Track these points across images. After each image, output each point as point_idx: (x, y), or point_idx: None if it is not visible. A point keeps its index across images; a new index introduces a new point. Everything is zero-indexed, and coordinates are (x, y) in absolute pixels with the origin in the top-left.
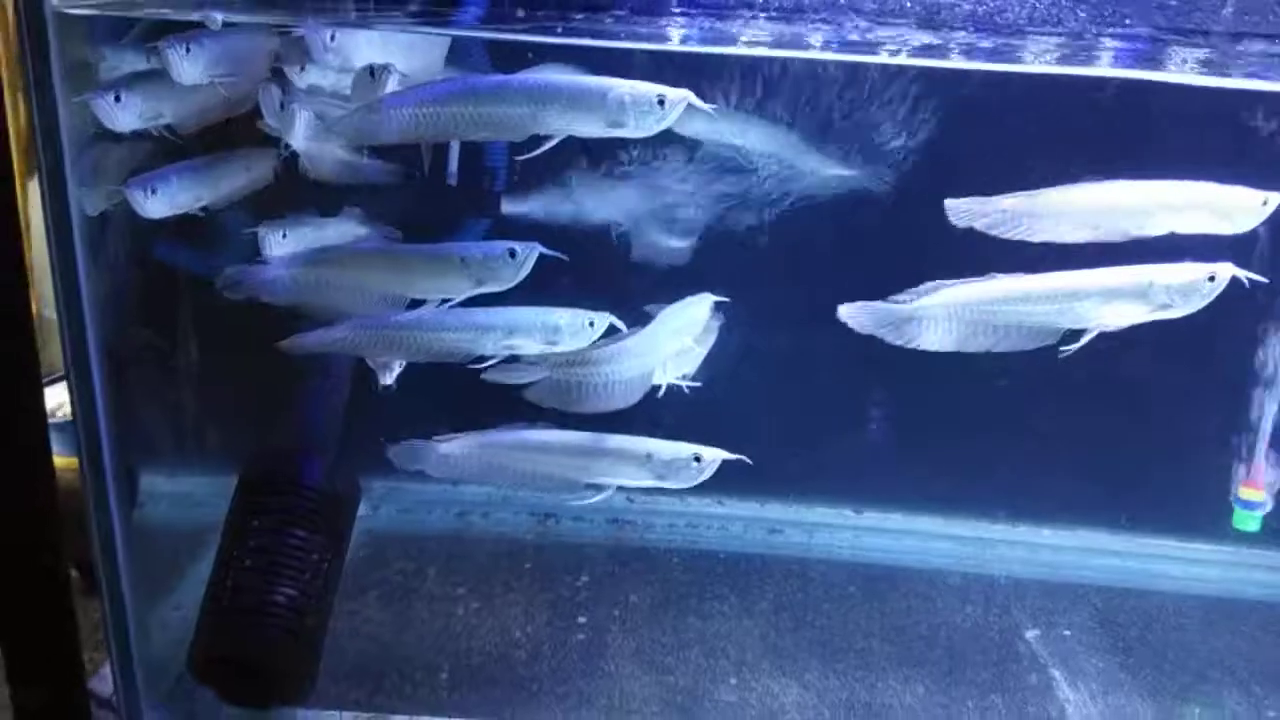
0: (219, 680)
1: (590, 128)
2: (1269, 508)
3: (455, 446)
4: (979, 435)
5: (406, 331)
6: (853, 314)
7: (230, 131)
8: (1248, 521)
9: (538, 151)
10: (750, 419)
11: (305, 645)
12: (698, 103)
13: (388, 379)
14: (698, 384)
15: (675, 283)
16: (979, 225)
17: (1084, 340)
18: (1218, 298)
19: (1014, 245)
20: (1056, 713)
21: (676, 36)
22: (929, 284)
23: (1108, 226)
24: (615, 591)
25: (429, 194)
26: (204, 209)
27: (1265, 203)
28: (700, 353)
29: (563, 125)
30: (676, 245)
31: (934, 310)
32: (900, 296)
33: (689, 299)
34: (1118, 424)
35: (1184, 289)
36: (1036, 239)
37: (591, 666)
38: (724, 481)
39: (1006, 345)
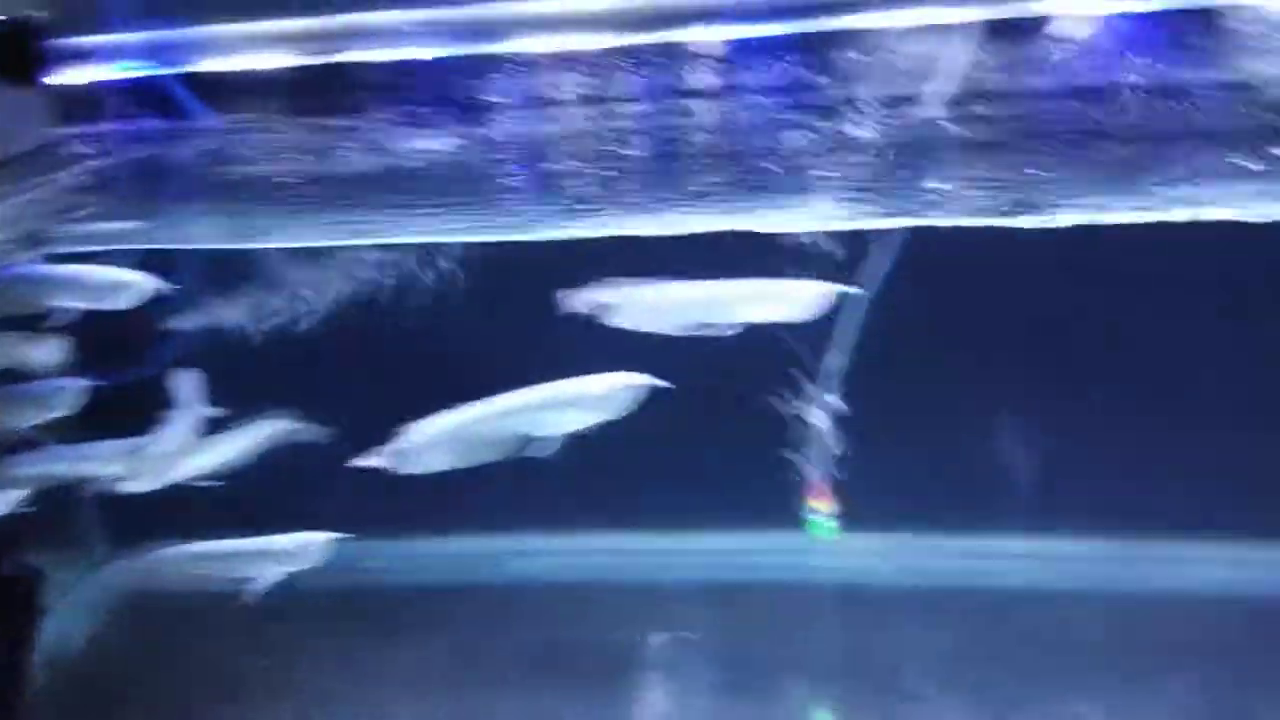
0: None
1: (88, 303)
2: (834, 511)
3: None
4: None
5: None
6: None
7: None
8: (823, 530)
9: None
10: None
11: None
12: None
13: None
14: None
15: None
16: (590, 311)
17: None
18: None
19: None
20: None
21: None
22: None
23: (693, 318)
24: (290, 639)
25: None
26: None
27: (828, 293)
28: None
29: (67, 303)
30: None
31: (434, 437)
32: (404, 428)
33: None
34: (745, 429)
35: (601, 398)
36: (637, 326)
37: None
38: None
39: (497, 454)
